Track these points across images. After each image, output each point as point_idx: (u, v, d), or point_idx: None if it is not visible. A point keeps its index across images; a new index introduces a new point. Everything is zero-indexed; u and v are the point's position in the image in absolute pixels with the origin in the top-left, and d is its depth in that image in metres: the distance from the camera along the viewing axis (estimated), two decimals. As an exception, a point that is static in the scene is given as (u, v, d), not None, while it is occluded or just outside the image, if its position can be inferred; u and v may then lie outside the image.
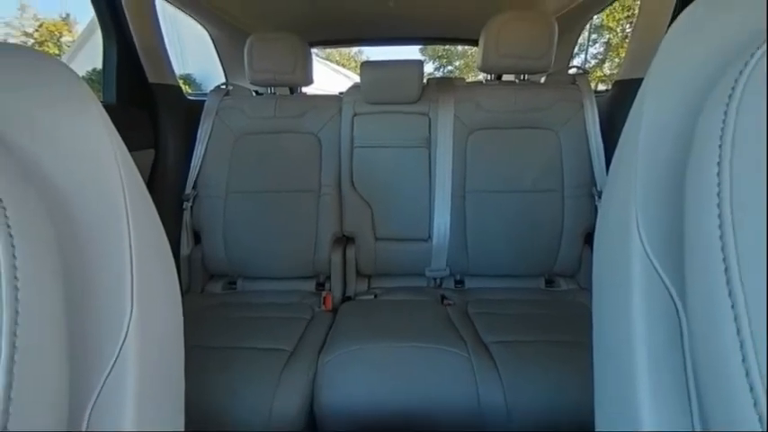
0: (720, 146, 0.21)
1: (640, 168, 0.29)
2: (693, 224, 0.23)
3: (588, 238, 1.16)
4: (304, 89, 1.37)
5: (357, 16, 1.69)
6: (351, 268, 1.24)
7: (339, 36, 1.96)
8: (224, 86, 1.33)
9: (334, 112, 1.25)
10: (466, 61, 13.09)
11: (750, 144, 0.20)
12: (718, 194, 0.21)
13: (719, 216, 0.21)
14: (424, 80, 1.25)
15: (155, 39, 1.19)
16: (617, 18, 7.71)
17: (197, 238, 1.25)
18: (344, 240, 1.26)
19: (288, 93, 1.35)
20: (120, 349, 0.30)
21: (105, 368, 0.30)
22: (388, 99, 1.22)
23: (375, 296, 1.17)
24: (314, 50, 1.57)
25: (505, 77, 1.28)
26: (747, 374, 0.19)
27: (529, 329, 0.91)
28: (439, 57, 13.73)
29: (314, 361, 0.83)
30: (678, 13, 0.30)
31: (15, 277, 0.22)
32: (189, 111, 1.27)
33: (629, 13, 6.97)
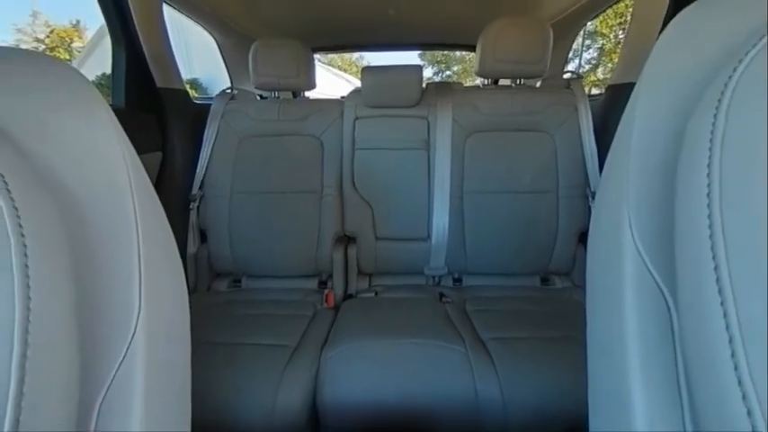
0: (710, 148, 0.21)
1: (632, 170, 0.29)
2: (684, 224, 0.23)
3: (582, 238, 1.16)
4: (307, 93, 1.37)
5: (358, 23, 1.69)
6: (352, 267, 1.24)
7: (341, 42, 1.96)
8: (229, 91, 1.33)
9: (336, 115, 1.25)
10: (464, 66, 13.10)
11: (739, 146, 0.20)
12: (708, 195, 0.21)
13: (709, 216, 0.21)
14: (424, 84, 1.25)
15: (162, 45, 1.19)
16: (610, 24, 7.72)
17: (203, 237, 1.25)
18: (346, 240, 1.26)
19: (291, 97, 1.35)
20: (129, 346, 0.30)
21: (114, 364, 0.30)
22: (388, 103, 1.22)
23: (376, 294, 1.17)
24: (316, 56, 1.57)
25: (502, 82, 1.28)
26: (736, 368, 0.19)
27: (524, 326, 0.91)
28: (438, 62, 13.74)
29: (316, 356, 0.83)
30: (669, 20, 0.30)
31: (27, 276, 0.22)
32: (195, 114, 1.27)
33: (622, 20, 6.98)
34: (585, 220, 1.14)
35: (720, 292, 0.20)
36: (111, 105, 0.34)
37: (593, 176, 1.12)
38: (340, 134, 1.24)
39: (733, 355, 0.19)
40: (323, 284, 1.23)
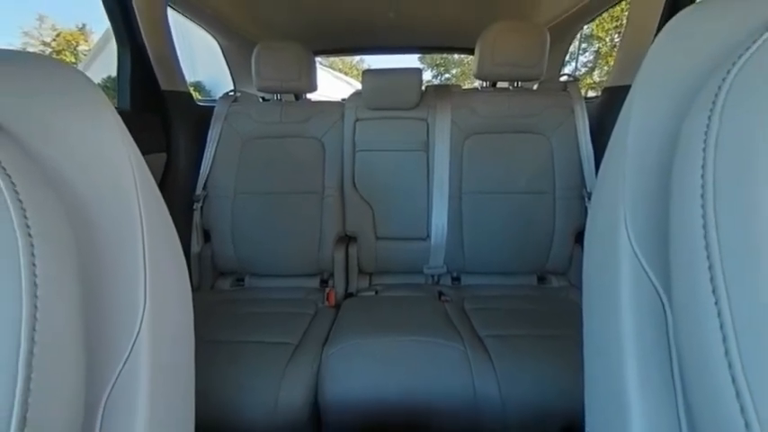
0: (704, 149, 0.21)
1: (628, 171, 0.29)
2: (679, 223, 0.23)
3: (579, 238, 1.16)
4: (308, 95, 1.37)
5: (359, 26, 1.69)
6: (353, 266, 1.24)
7: (342, 45, 1.96)
8: (232, 93, 1.33)
9: (337, 117, 1.25)
10: (462, 69, 13.10)
11: (732, 147, 0.20)
12: (702, 195, 0.21)
13: (703, 216, 0.21)
14: (423, 87, 1.25)
15: (167, 48, 1.19)
16: (606, 28, 7.72)
17: (207, 237, 1.25)
18: (347, 239, 1.26)
19: (293, 99, 1.35)
20: (134, 344, 0.30)
21: (119, 362, 0.30)
22: (388, 105, 1.22)
23: (376, 292, 1.17)
24: (318, 59, 1.57)
25: (500, 85, 1.28)
26: (730, 367, 0.19)
27: (522, 324, 0.91)
28: (437, 65, 13.74)
29: (318, 354, 0.83)
30: (664, 24, 0.30)
31: (35, 275, 0.22)
32: (199, 116, 1.27)
33: (618, 24, 6.98)
34: (582, 220, 1.14)
35: (714, 291, 0.20)
36: (116, 107, 0.34)
37: (590, 178, 1.12)
38: (341, 136, 1.24)
39: (727, 353, 0.19)
40: (324, 283, 1.24)
